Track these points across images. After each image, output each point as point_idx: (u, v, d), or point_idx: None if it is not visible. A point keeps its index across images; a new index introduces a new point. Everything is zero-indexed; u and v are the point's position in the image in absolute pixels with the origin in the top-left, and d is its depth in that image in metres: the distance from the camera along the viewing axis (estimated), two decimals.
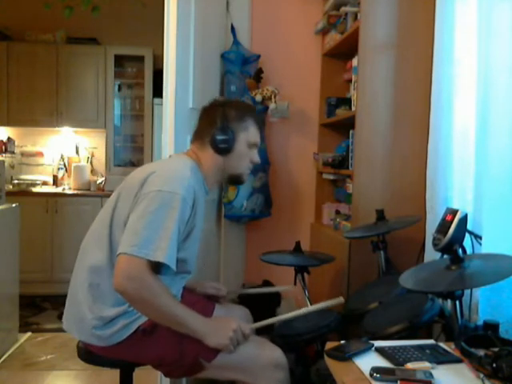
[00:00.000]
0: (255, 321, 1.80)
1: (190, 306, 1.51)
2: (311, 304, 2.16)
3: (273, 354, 1.53)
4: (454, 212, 1.49)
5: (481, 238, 1.65)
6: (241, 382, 1.57)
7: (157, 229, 1.39)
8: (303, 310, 1.65)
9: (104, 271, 1.49)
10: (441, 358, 1.21)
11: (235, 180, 1.69)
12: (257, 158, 1.67)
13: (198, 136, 1.65)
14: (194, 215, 1.52)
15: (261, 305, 2.60)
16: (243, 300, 2.61)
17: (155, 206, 1.41)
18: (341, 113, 2.67)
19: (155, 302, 1.39)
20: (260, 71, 2.85)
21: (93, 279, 1.51)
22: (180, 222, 1.43)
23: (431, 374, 1.10)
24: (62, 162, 4.65)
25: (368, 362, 1.19)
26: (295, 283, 2.17)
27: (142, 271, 1.36)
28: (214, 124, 1.59)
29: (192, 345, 1.48)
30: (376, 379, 1.10)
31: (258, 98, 2.79)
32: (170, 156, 1.73)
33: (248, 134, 1.62)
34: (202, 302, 1.78)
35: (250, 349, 1.53)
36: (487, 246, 1.61)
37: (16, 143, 4.58)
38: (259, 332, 1.66)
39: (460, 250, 1.44)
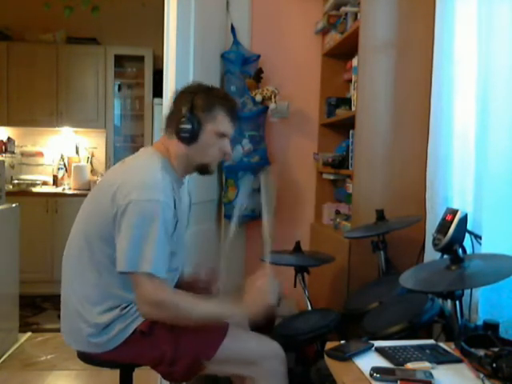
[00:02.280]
0: (251, 324, 1.79)
1: None
2: (312, 305, 2.16)
3: (269, 346, 1.54)
4: (454, 212, 1.49)
5: (481, 237, 1.65)
6: (240, 377, 1.57)
7: (142, 242, 1.40)
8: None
9: (90, 279, 1.50)
10: (441, 358, 1.22)
11: (203, 169, 1.64)
12: (227, 148, 1.61)
13: (167, 124, 1.61)
14: (176, 211, 1.53)
15: None
16: None
17: (137, 219, 1.41)
18: (341, 113, 2.67)
19: (180, 316, 1.44)
20: (260, 71, 2.85)
21: (81, 288, 1.51)
22: (164, 227, 1.43)
23: (431, 374, 1.10)
24: (62, 162, 4.65)
25: (368, 362, 1.19)
26: (295, 283, 2.17)
27: (155, 293, 1.40)
28: (180, 112, 1.54)
29: (190, 344, 1.48)
30: (376, 379, 1.10)
31: (258, 98, 2.78)
32: (138, 152, 1.66)
33: (216, 125, 1.56)
34: None
35: (248, 343, 1.54)
36: (487, 246, 1.61)
37: (16, 143, 4.58)
38: (257, 331, 1.66)
39: (460, 250, 1.44)
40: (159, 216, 1.42)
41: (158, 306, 1.41)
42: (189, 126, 1.53)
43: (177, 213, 1.53)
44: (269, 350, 1.53)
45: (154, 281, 1.41)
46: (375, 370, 1.12)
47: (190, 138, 1.54)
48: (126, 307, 1.50)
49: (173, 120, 1.57)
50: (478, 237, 1.66)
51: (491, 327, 1.35)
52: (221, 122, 1.57)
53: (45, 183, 4.61)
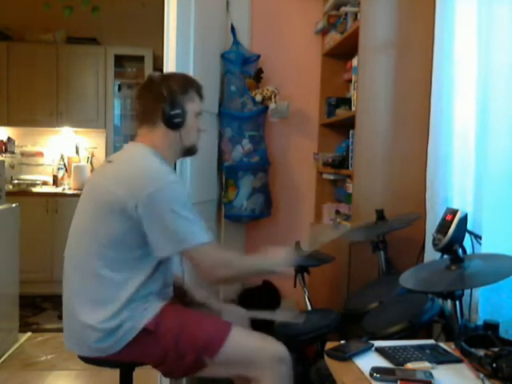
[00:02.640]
0: (252, 322, 1.80)
1: (189, 310, 1.60)
2: (312, 305, 2.16)
3: (275, 347, 1.54)
4: (454, 212, 1.49)
5: (481, 237, 1.65)
6: (242, 378, 1.57)
7: (184, 221, 1.46)
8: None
9: (98, 282, 1.49)
10: (441, 358, 1.21)
11: (189, 151, 1.72)
12: (202, 126, 1.71)
13: (146, 117, 1.64)
14: None
15: (260, 305, 2.60)
16: (242, 301, 2.61)
17: (166, 205, 1.45)
18: (341, 113, 2.67)
19: (241, 271, 1.60)
20: (260, 71, 2.85)
21: (87, 292, 1.50)
22: (189, 201, 1.52)
23: (431, 374, 1.10)
24: (62, 162, 4.65)
25: (368, 362, 1.19)
26: (295, 283, 2.17)
27: (203, 259, 1.50)
28: (161, 100, 1.57)
29: (193, 341, 1.48)
30: (376, 379, 1.10)
31: (258, 98, 2.78)
32: (126, 149, 1.70)
33: (194, 105, 1.64)
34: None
35: (253, 343, 1.54)
36: (487, 246, 1.61)
37: (16, 143, 4.58)
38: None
39: (460, 250, 1.44)
40: (181, 193, 1.50)
41: (225, 265, 1.52)
42: (177, 112, 1.58)
43: None
44: (273, 351, 1.52)
45: (210, 246, 1.50)
46: (375, 369, 1.12)
47: (179, 123, 1.60)
48: (133, 308, 1.48)
49: (155, 110, 1.59)
50: (478, 237, 1.66)
51: (491, 327, 1.35)
52: (196, 102, 1.66)
53: (45, 183, 4.60)
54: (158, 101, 1.58)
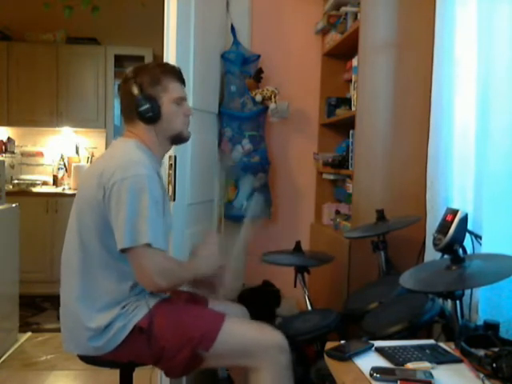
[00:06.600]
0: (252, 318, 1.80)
1: (181, 304, 1.60)
2: (312, 305, 2.16)
3: (274, 337, 1.54)
4: (455, 212, 1.49)
5: (481, 237, 1.65)
6: (240, 368, 1.57)
7: (136, 216, 1.41)
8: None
9: (88, 278, 1.50)
10: (441, 357, 1.21)
11: (177, 139, 1.67)
12: (188, 110, 1.65)
13: (125, 115, 1.63)
14: (162, 182, 1.57)
15: (260, 304, 2.60)
16: (242, 298, 2.61)
17: (126, 196, 1.42)
18: (341, 113, 2.67)
19: (179, 282, 1.56)
20: (260, 71, 2.85)
21: (80, 291, 1.51)
22: (153, 199, 1.45)
23: (431, 374, 1.10)
24: (62, 162, 4.65)
25: (368, 361, 1.19)
26: (295, 283, 2.17)
27: (153, 265, 1.43)
28: (132, 98, 1.56)
29: (188, 336, 1.48)
30: (376, 379, 1.10)
31: (258, 98, 2.78)
32: (111, 145, 1.70)
33: (170, 93, 1.59)
34: (194, 298, 1.78)
35: (249, 332, 1.54)
36: (487, 246, 1.61)
37: (16, 143, 4.59)
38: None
39: (460, 250, 1.44)
40: (146, 189, 1.44)
41: (165, 275, 1.45)
42: (147, 106, 1.55)
43: (162, 184, 1.57)
44: (271, 340, 1.52)
45: (156, 251, 1.43)
46: (375, 369, 1.12)
47: (154, 116, 1.57)
48: (125, 306, 1.50)
49: (130, 108, 1.58)
50: (478, 237, 1.66)
51: (491, 327, 1.35)
52: (173, 89, 1.60)
53: (45, 183, 4.61)
54: (131, 98, 1.56)
